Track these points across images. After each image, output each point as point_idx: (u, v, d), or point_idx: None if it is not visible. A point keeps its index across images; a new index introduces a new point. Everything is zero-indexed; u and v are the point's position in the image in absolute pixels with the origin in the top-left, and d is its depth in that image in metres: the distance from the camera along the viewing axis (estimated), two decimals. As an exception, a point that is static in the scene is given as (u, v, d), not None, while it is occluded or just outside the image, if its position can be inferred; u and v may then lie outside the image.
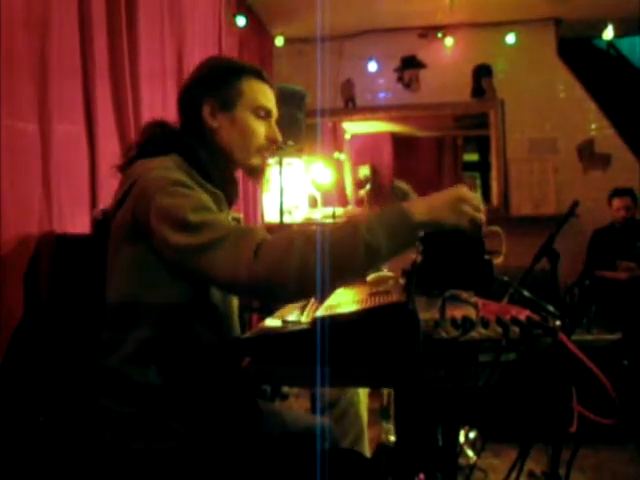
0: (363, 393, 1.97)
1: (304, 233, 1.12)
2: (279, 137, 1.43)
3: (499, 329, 1.15)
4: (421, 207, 1.13)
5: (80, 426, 1.27)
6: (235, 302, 1.42)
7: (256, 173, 1.43)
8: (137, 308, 1.24)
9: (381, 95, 5.11)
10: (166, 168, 1.25)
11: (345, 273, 1.11)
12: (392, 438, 2.79)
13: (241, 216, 3.17)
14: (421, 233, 1.15)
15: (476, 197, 1.17)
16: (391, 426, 2.85)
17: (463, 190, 1.16)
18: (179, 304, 1.24)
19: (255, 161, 1.41)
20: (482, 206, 1.17)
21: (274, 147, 1.44)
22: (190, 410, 1.25)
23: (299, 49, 5.01)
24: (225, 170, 1.39)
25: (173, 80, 2.77)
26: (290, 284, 1.08)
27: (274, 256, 1.09)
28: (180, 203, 1.16)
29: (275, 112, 1.44)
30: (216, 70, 1.39)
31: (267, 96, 1.42)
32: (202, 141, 1.37)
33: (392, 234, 1.11)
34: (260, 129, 1.40)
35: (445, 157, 5.75)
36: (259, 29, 4.55)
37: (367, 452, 2.33)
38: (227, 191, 1.37)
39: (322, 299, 1.26)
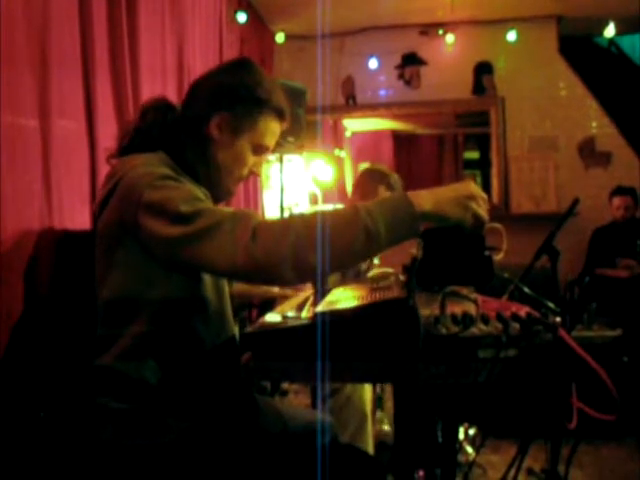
0: None
1: (302, 216, 1.11)
2: (261, 172, 1.46)
3: (499, 325, 1.15)
4: (426, 198, 1.12)
5: (79, 423, 1.27)
6: (229, 298, 1.41)
7: (226, 196, 1.44)
8: (132, 304, 1.23)
9: (382, 92, 5.10)
10: (151, 165, 1.25)
11: (344, 256, 1.09)
12: (386, 427, 2.80)
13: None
14: (422, 228, 1.14)
15: (482, 194, 1.16)
16: (384, 415, 2.85)
17: (471, 185, 1.15)
18: (174, 299, 1.24)
19: (231, 187, 1.42)
20: (486, 204, 1.16)
21: (250, 176, 1.46)
22: (187, 406, 1.25)
23: (300, 46, 5.01)
24: (210, 169, 1.38)
25: (174, 76, 2.77)
26: (288, 267, 1.07)
27: (272, 239, 1.07)
28: (170, 196, 1.16)
29: (271, 148, 1.44)
30: (245, 91, 1.36)
31: (274, 137, 1.42)
32: (195, 140, 1.36)
33: (393, 221, 1.09)
34: (250, 162, 1.40)
35: (445, 154, 5.76)
36: (260, 25, 4.55)
37: (370, 440, 2.34)
38: (212, 189, 1.36)
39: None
